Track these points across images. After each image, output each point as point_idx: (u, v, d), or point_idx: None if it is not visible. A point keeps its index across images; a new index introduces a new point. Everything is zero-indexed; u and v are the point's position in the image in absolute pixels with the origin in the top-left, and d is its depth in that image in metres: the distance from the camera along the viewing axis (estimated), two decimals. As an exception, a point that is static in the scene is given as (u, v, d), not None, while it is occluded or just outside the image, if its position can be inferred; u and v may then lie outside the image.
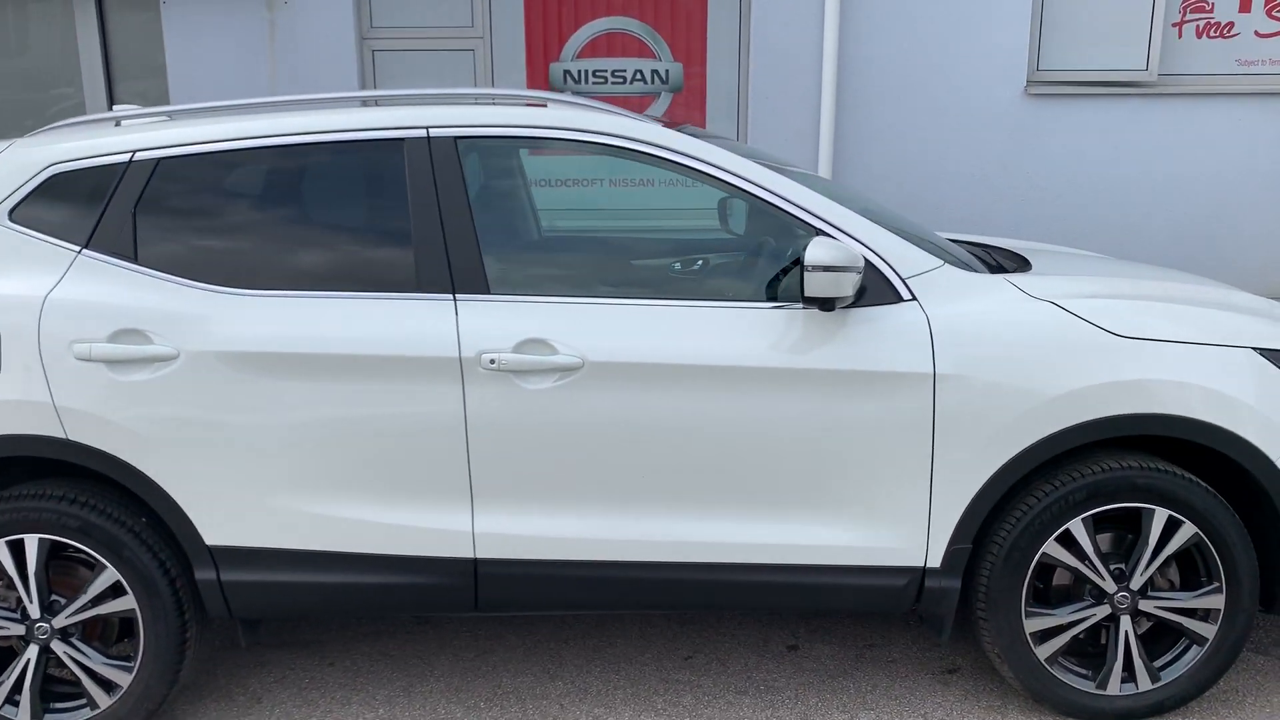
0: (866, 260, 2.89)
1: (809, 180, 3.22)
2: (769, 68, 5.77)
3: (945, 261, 2.98)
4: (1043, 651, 3.00)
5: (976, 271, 3.02)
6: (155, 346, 2.86)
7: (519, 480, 2.90)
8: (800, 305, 2.83)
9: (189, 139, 3.01)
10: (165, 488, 2.90)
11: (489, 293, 2.91)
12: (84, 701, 3.02)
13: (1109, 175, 5.87)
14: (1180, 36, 5.89)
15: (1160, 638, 3.07)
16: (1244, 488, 2.98)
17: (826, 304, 2.73)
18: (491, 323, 2.87)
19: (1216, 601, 2.96)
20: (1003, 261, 3.43)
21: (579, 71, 5.90)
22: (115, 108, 3.49)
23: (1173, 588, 3.02)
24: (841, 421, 2.86)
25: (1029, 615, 2.98)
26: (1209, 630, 2.99)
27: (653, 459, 2.88)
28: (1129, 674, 3.02)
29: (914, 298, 2.90)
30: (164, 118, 3.15)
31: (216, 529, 2.93)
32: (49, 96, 6.11)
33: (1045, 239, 5.76)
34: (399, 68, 5.92)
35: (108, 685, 3.01)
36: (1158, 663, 3.04)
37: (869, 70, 5.77)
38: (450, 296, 2.90)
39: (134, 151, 3.01)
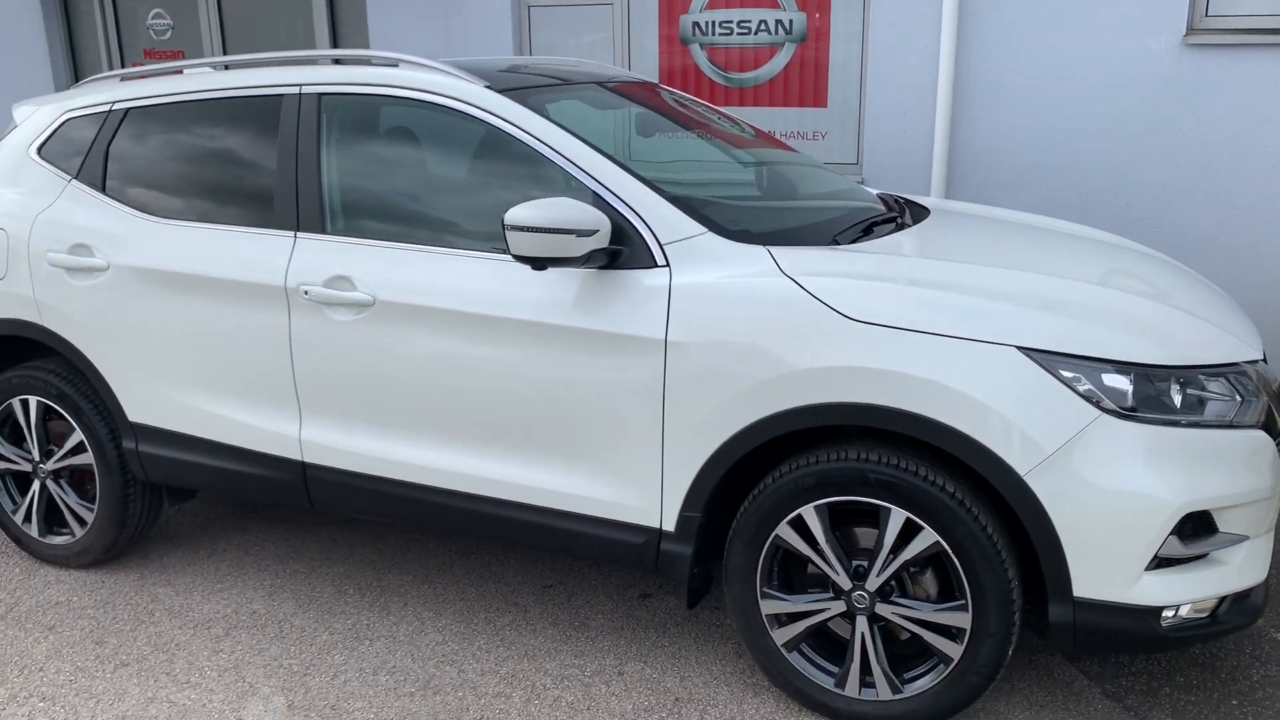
0: (630, 224, 2.93)
1: (652, 144, 3.24)
2: (889, 19, 5.45)
3: (709, 229, 2.92)
4: (779, 636, 2.91)
5: (744, 241, 2.90)
6: (94, 259, 3.61)
7: (331, 399, 3.32)
8: (578, 265, 2.88)
9: (145, 93, 3.70)
10: (102, 372, 3.66)
11: (324, 233, 3.32)
12: (68, 531, 3.91)
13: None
14: None
15: (919, 649, 2.84)
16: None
17: (537, 263, 2.81)
18: (314, 259, 3.28)
19: (962, 620, 2.69)
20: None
21: (706, 23, 5.95)
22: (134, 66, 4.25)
23: (928, 598, 2.78)
24: (585, 379, 2.94)
25: (765, 596, 2.90)
26: (955, 650, 2.72)
27: (430, 394, 3.16)
28: (868, 679, 2.84)
29: (667, 264, 2.89)
30: (144, 76, 3.86)
31: (134, 408, 3.65)
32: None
33: (1200, 217, 5.04)
34: (551, 21, 6.34)
35: (81, 521, 3.88)
36: (907, 674, 2.83)
37: (994, 19, 5.24)
38: (293, 234, 3.35)
39: (112, 103, 3.76)
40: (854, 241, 3.10)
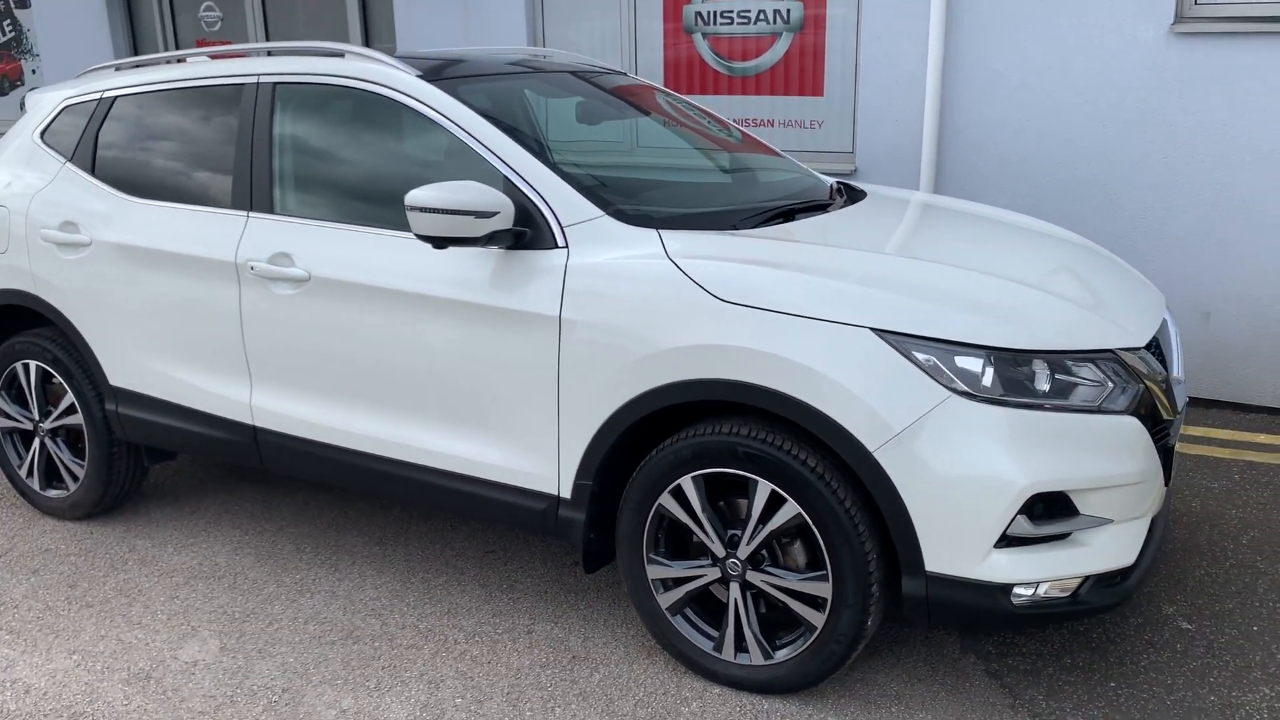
0: (535, 207, 3.10)
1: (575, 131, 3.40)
2: (881, 6, 5.47)
3: (606, 212, 3.07)
4: (664, 600, 3.05)
5: (639, 225, 3.04)
6: (79, 235, 3.92)
7: (276, 368, 3.57)
8: (480, 245, 3.06)
9: (131, 82, 4.00)
10: (87, 340, 3.98)
11: (272, 212, 3.56)
12: (64, 486, 4.26)
13: (1279, 134, 4.81)
14: None
15: (791, 618, 2.95)
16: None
17: (438, 243, 3.00)
18: (262, 237, 3.53)
19: (824, 590, 2.80)
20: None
21: (708, 12, 6.05)
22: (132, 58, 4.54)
23: (798, 569, 2.89)
24: (491, 353, 3.13)
25: (650, 562, 3.05)
26: (818, 619, 2.83)
27: (357, 364, 3.38)
28: (742, 644, 2.97)
29: (566, 245, 3.05)
30: (135, 66, 4.17)
31: (115, 373, 3.96)
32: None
33: (1189, 209, 4.99)
34: (562, 12, 6.52)
35: (74, 476, 4.22)
36: (779, 641, 2.95)
37: (985, 6, 5.23)
38: (246, 213, 3.61)
39: (103, 91, 4.08)
40: (759, 226, 3.21)
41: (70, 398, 4.12)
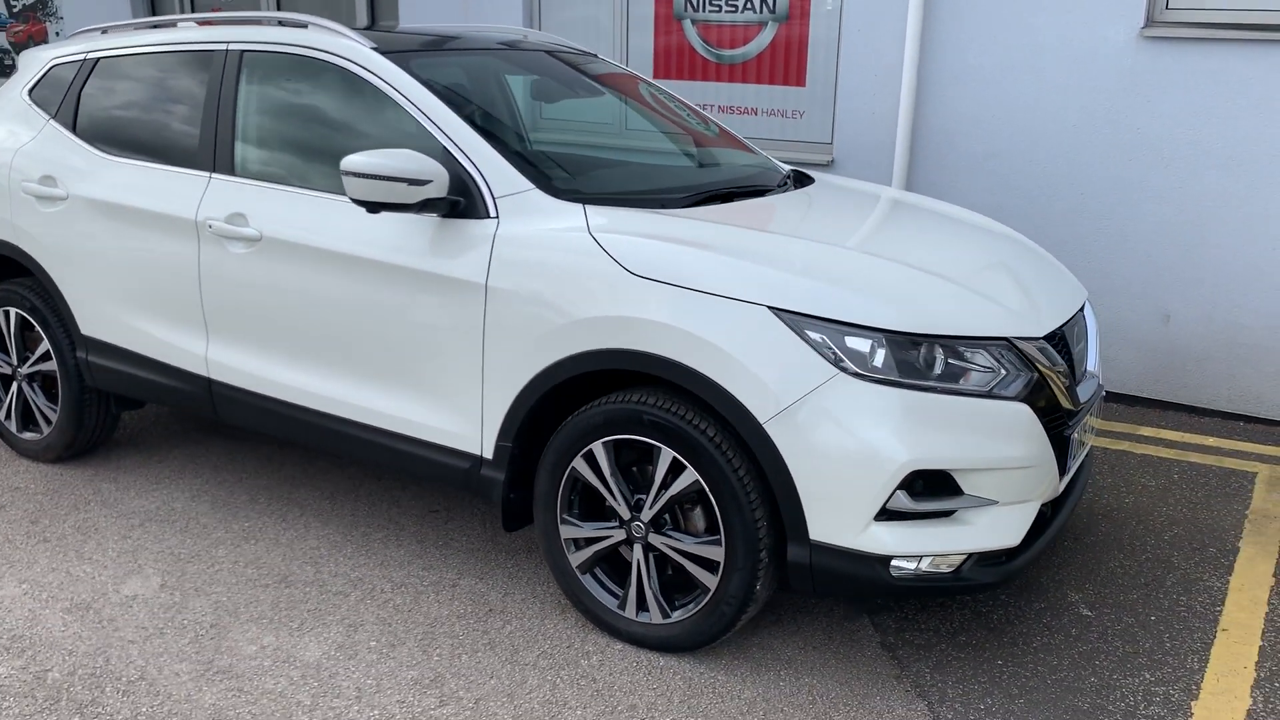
0: (471, 177, 3.23)
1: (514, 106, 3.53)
2: (860, 4, 5.56)
3: (537, 186, 3.20)
4: (575, 559, 3.19)
5: (567, 199, 3.17)
6: (56, 189, 4.11)
7: (229, 323, 3.73)
8: (414, 212, 3.21)
9: (114, 45, 4.18)
10: (61, 289, 4.17)
11: (232, 174, 3.73)
12: (38, 429, 4.46)
13: (1242, 140, 4.85)
14: None
15: (689, 580, 3.08)
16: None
17: (371, 207, 3.14)
18: (221, 197, 3.70)
19: (717, 554, 2.93)
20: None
21: (698, 1, 6.16)
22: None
23: (698, 533, 3.01)
24: (423, 316, 3.27)
25: (564, 522, 3.19)
26: (712, 581, 2.96)
27: (301, 322, 3.54)
28: (643, 603, 3.11)
29: (496, 215, 3.19)
30: (120, 29, 4.34)
31: (85, 322, 4.15)
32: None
33: (1153, 211, 5.06)
34: (558, -5, 6.65)
35: (48, 420, 4.42)
36: (676, 602, 3.08)
37: (959, 3, 5.30)
38: (209, 174, 3.77)
39: (87, 52, 4.26)
40: (690, 207, 3.33)
41: (45, 345, 4.31)
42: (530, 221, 3.14)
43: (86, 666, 3.03)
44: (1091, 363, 3.44)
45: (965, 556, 2.85)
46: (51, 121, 4.26)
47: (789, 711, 2.88)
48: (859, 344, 2.75)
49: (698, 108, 4.58)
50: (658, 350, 2.87)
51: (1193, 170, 4.97)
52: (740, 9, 6.03)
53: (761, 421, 2.77)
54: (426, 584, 3.51)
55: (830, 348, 2.75)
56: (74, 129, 4.20)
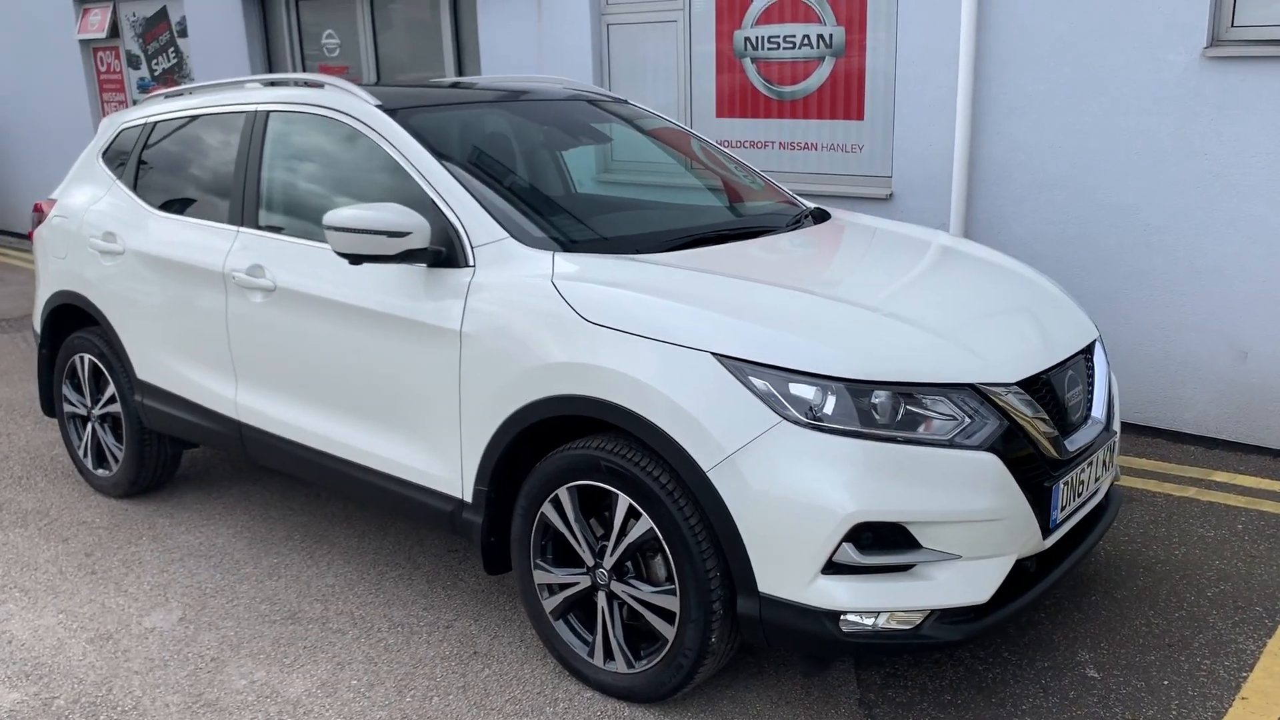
0: (454, 227, 3.33)
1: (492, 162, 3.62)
2: (915, 30, 5.41)
3: (510, 234, 3.26)
4: (548, 604, 3.21)
5: (539, 248, 3.22)
6: (115, 245, 4.43)
7: (253, 368, 3.93)
8: (395, 262, 3.32)
9: (164, 110, 4.49)
10: (121, 337, 4.49)
11: (256, 227, 3.94)
12: (108, 467, 4.79)
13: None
14: None
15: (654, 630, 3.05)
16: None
17: (354, 259, 3.26)
18: (245, 249, 3.91)
19: (673, 603, 2.89)
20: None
21: (756, 38, 6.12)
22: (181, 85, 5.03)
23: (658, 582, 2.98)
24: (408, 362, 3.37)
25: (536, 567, 3.21)
26: (670, 631, 2.92)
27: (311, 368, 3.70)
28: (610, 651, 3.09)
29: (473, 264, 3.27)
30: (178, 94, 4.65)
31: (140, 368, 4.45)
32: (423, 73, 8.10)
33: (1224, 240, 4.77)
34: (624, 38, 6.74)
35: (115, 459, 4.74)
36: (642, 651, 3.05)
37: (1014, 28, 5.09)
38: (237, 228, 4.00)
39: (148, 117, 4.59)
40: (667, 252, 3.32)
41: (111, 389, 4.64)
42: (502, 270, 3.20)
43: (90, 695, 3.23)
44: (1098, 408, 3.25)
45: (925, 613, 2.73)
46: (117, 182, 4.61)
47: (741, 768, 2.81)
48: (804, 391, 2.68)
49: (717, 146, 4.57)
50: (609, 397, 2.88)
51: (1266, 196, 4.64)
52: (798, 45, 5.98)
53: (705, 469, 2.73)
54: (422, 624, 3.59)
55: (774, 395, 2.69)
56: (135, 188, 4.52)
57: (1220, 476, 4.64)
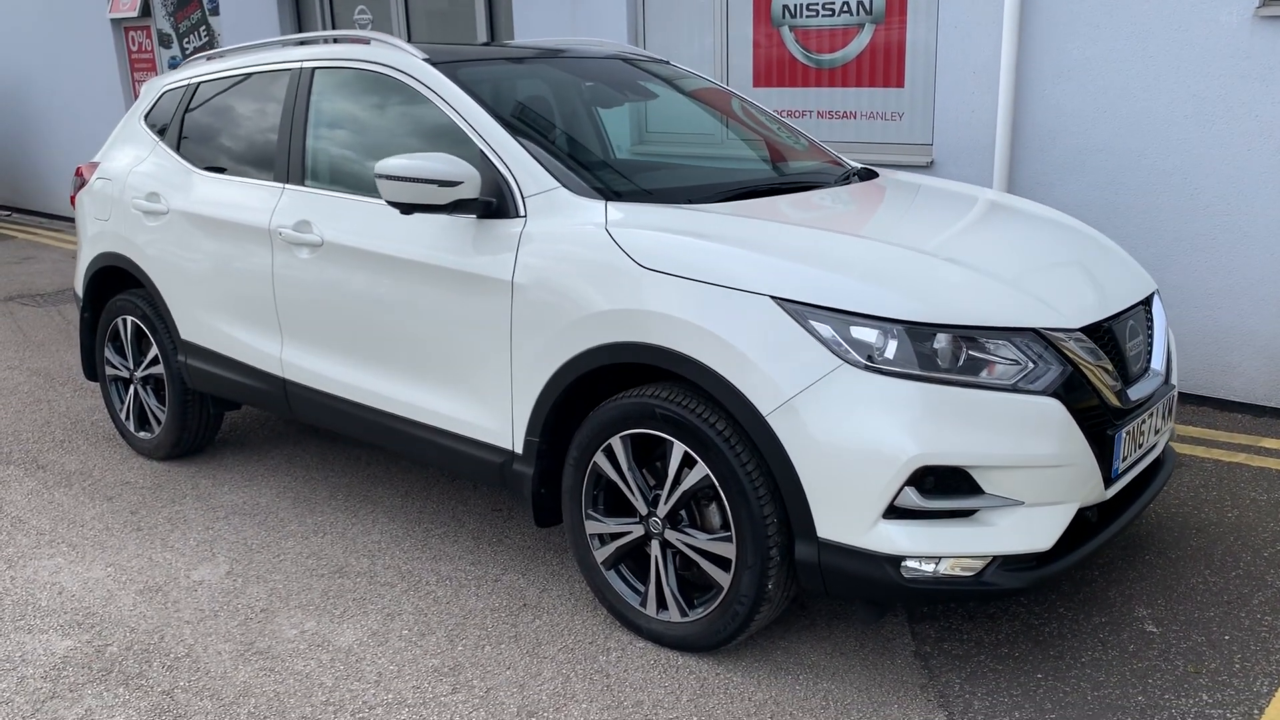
0: (504, 178, 3.31)
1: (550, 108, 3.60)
2: (956, 1, 5.37)
3: (562, 184, 3.24)
4: (599, 554, 3.19)
5: (591, 197, 3.19)
6: (159, 205, 4.44)
7: (299, 325, 3.93)
8: (446, 212, 3.31)
9: (207, 71, 4.49)
10: (165, 298, 4.49)
11: (302, 184, 3.93)
12: (150, 429, 4.80)
13: None
14: None
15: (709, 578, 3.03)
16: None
17: (405, 209, 3.25)
18: (291, 206, 3.90)
19: (729, 550, 2.87)
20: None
21: (794, 5, 6.06)
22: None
23: (714, 529, 2.96)
24: (459, 314, 3.36)
25: (588, 518, 3.19)
26: (725, 579, 2.90)
27: (358, 323, 3.69)
28: (663, 600, 3.07)
29: (524, 214, 3.25)
30: (220, 55, 4.65)
31: (184, 328, 4.45)
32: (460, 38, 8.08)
33: (1271, 205, 4.70)
34: (660, 9, 6.69)
35: (159, 421, 4.75)
36: (695, 600, 3.03)
37: (1060, -5, 5.04)
38: (282, 185, 3.99)
39: (190, 78, 4.59)
40: (720, 202, 3.29)
41: (155, 350, 4.65)
42: (554, 219, 3.18)
43: (142, 643, 3.24)
44: (1157, 360, 3.20)
45: (988, 560, 2.69)
46: (160, 143, 4.61)
47: (798, 716, 2.79)
48: (866, 334, 2.65)
49: (760, 107, 4.53)
50: (665, 343, 2.85)
51: (1321, 158, 4.56)
52: (837, 12, 5.93)
53: (764, 414, 2.70)
54: (470, 578, 3.58)
55: (836, 338, 2.66)
56: (178, 149, 4.52)
57: (1270, 443, 4.57)
